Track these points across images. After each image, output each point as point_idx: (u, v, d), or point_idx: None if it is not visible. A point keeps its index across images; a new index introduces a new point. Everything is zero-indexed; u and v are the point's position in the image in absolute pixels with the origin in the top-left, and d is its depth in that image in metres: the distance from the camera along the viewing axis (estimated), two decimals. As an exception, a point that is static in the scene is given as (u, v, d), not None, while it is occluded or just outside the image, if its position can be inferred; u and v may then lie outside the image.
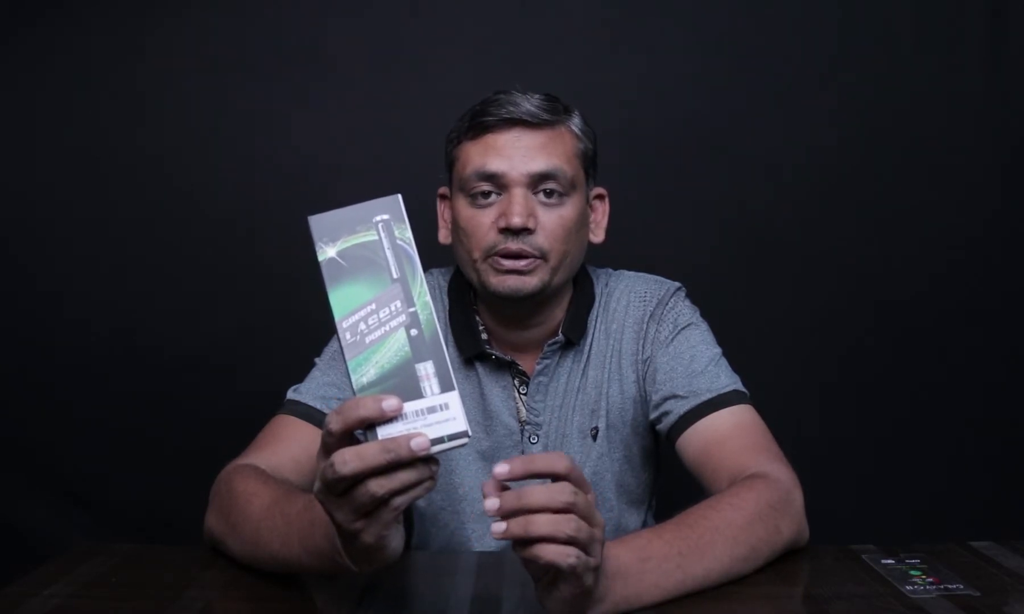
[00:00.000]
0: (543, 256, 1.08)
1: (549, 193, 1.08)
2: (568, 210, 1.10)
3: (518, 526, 0.67)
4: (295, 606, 0.86)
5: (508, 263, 1.07)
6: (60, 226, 1.73)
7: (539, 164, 1.07)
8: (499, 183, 1.08)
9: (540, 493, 0.67)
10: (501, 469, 0.67)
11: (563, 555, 0.67)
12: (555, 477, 0.69)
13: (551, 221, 1.08)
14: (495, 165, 1.07)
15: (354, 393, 0.66)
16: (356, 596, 0.86)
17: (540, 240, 1.08)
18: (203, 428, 1.68)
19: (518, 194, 1.07)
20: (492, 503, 0.67)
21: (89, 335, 1.73)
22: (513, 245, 1.07)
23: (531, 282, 1.08)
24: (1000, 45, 1.69)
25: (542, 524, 0.67)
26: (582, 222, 1.13)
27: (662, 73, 1.71)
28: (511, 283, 1.08)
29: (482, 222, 1.09)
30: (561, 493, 0.67)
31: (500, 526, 0.67)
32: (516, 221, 1.05)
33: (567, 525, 0.67)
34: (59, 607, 0.84)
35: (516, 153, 1.07)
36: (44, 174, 1.73)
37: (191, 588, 0.89)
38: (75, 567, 0.94)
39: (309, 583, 0.89)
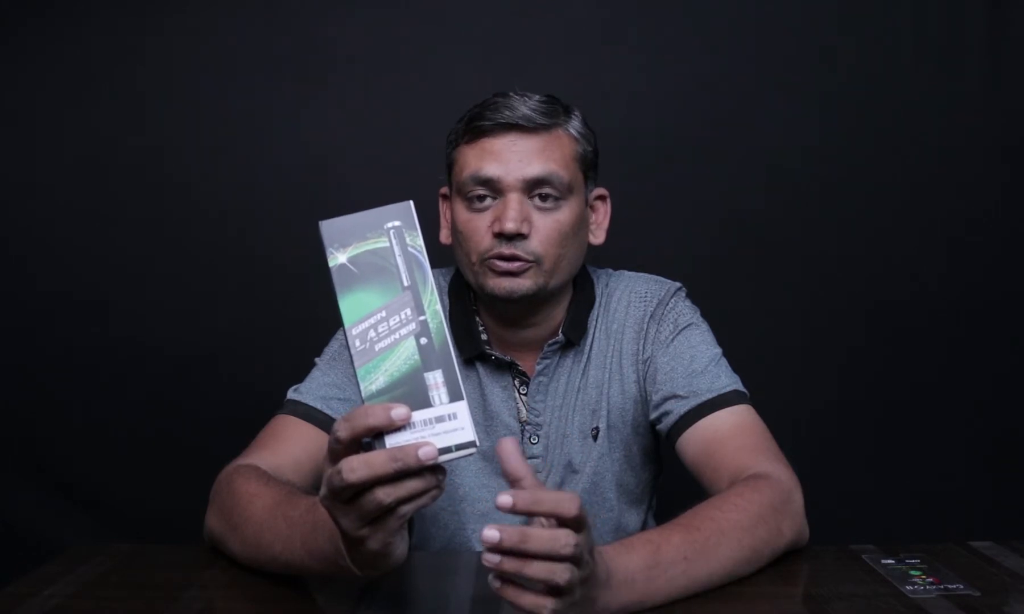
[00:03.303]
0: (536, 261, 1.08)
1: (544, 197, 1.08)
2: (564, 214, 1.09)
3: (512, 565, 0.65)
4: (295, 606, 0.86)
5: (503, 265, 1.07)
6: (61, 226, 1.73)
7: (534, 169, 1.07)
8: (494, 188, 1.08)
9: (544, 540, 0.65)
10: (504, 501, 0.65)
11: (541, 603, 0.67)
12: (561, 521, 0.66)
13: (546, 226, 1.08)
14: (490, 170, 1.07)
15: (362, 401, 0.66)
16: (356, 596, 0.86)
17: (534, 245, 1.07)
18: (203, 428, 1.68)
19: (513, 199, 1.07)
20: (492, 535, 0.64)
21: (89, 335, 1.73)
22: (507, 250, 1.07)
23: (524, 284, 1.08)
24: (1000, 45, 1.69)
25: (538, 570, 0.65)
26: (580, 225, 1.12)
27: (662, 73, 1.71)
28: (505, 285, 1.08)
29: (478, 226, 1.09)
30: (566, 546, 0.65)
31: (494, 558, 0.65)
32: (509, 226, 1.05)
33: (563, 575, 0.66)
34: (59, 607, 0.84)
35: (511, 158, 1.07)
36: (44, 174, 1.73)
37: (191, 588, 0.89)
38: (75, 567, 0.94)
39: (309, 583, 0.89)
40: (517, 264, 1.07)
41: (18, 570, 0.93)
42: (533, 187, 1.08)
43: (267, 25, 1.71)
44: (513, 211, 1.06)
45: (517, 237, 1.06)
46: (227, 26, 1.71)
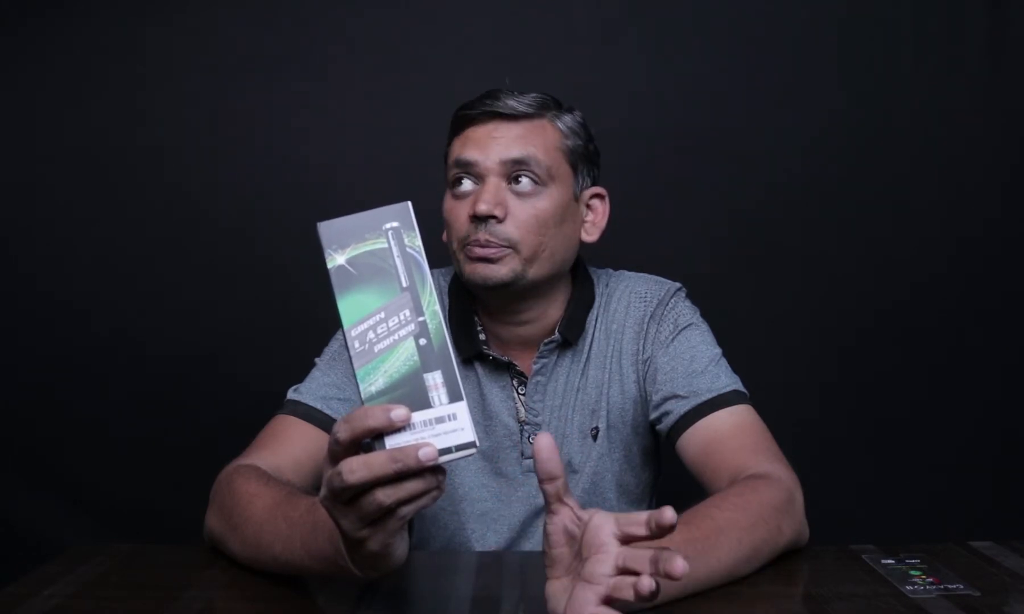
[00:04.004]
0: (512, 246, 1.08)
1: (521, 180, 1.08)
2: (544, 202, 1.09)
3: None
4: (295, 606, 0.86)
5: (478, 251, 1.08)
6: (60, 226, 1.74)
7: (512, 152, 1.08)
8: (475, 172, 1.09)
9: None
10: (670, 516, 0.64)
11: None
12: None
13: (523, 211, 1.08)
14: (469, 154, 1.09)
15: (362, 402, 0.66)
16: (356, 596, 0.86)
17: (509, 230, 1.07)
18: (203, 428, 1.68)
19: (490, 183, 1.08)
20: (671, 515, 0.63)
21: (89, 335, 1.73)
22: (481, 235, 1.07)
23: (500, 271, 1.08)
24: (1000, 45, 1.69)
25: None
26: (563, 216, 1.12)
27: (662, 73, 1.71)
28: (480, 271, 1.08)
29: (459, 213, 1.10)
30: None
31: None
32: (481, 208, 1.06)
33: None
34: (59, 607, 0.84)
35: (491, 143, 1.09)
36: (44, 174, 1.73)
37: (191, 588, 0.89)
38: (75, 567, 0.94)
39: (309, 583, 0.89)
40: (492, 250, 1.07)
41: (18, 570, 0.93)
42: (511, 170, 1.08)
43: (267, 25, 1.71)
44: (488, 193, 1.07)
45: (491, 220, 1.07)
46: (227, 26, 1.72)
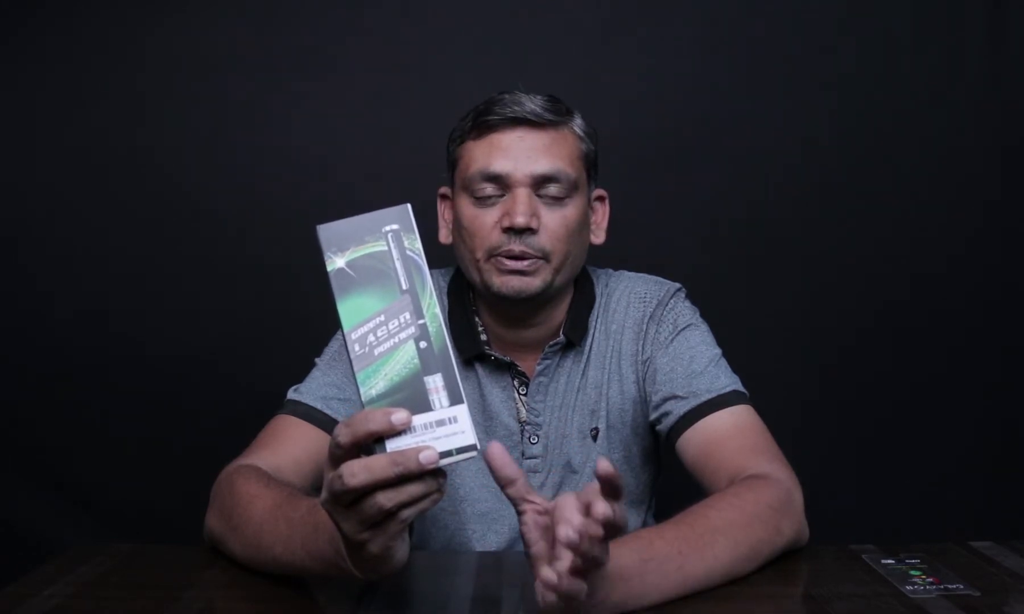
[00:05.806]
0: (545, 257, 1.08)
1: (550, 191, 1.08)
2: (571, 211, 1.10)
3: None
4: (295, 606, 0.86)
5: (511, 263, 1.07)
6: (60, 226, 1.73)
7: (543, 166, 1.07)
8: (503, 183, 1.08)
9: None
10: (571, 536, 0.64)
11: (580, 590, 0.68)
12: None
13: (554, 222, 1.08)
14: (499, 166, 1.08)
15: (362, 405, 0.66)
16: (356, 596, 0.86)
17: (543, 240, 1.08)
18: (203, 428, 1.68)
19: (522, 194, 1.07)
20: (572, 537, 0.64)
21: (89, 335, 1.73)
22: (516, 246, 1.07)
23: (534, 283, 1.08)
24: (1000, 43, 1.69)
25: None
26: (584, 223, 1.13)
27: (662, 73, 1.71)
28: (514, 284, 1.08)
29: (485, 222, 1.09)
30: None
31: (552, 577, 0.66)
32: (520, 221, 1.05)
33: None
34: (59, 607, 0.84)
35: (520, 153, 1.08)
36: (44, 174, 1.73)
37: (191, 588, 0.89)
38: (75, 567, 0.94)
39: (309, 583, 0.89)
40: (527, 262, 1.07)
41: (18, 570, 0.93)
42: (540, 183, 1.08)
43: (267, 25, 1.71)
44: (523, 205, 1.06)
45: (526, 232, 1.06)
46: (227, 26, 1.71)
